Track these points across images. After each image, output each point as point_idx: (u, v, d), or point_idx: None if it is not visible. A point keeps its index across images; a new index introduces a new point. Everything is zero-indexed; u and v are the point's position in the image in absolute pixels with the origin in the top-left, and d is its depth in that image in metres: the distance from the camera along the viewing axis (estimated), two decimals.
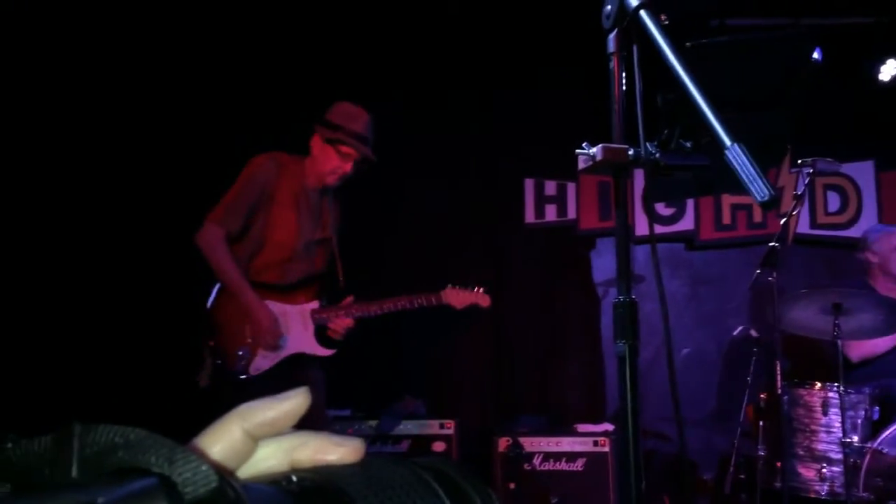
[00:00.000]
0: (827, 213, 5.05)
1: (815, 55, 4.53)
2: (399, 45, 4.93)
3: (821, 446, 3.73)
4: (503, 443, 4.17)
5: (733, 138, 1.18)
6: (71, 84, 4.45)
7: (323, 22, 4.83)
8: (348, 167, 3.42)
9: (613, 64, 1.48)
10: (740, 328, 4.33)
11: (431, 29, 4.96)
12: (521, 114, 5.18)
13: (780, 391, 3.67)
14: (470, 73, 5.08)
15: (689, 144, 1.48)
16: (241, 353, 3.28)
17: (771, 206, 1.12)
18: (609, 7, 1.48)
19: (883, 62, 4.89)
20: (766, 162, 1.83)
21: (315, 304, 3.47)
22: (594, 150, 1.43)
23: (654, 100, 1.54)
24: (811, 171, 3.79)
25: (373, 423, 4.26)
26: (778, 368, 3.64)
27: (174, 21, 4.58)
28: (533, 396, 5.23)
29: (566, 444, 4.19)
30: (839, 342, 3.67)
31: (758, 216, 5.02)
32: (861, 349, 4.11)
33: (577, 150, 1.44)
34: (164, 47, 4.61)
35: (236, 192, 3.41)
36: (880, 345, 4.06)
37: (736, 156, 1.15)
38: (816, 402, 3.78)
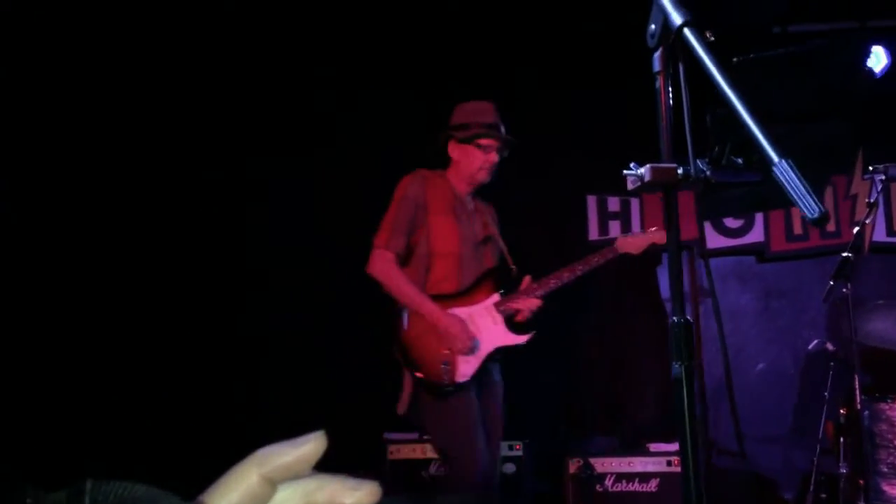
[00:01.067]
0: None
1: (873, 64, 4.40)
2: (458, 66, 4.96)
3: None
4: (574, 464, 4.12)
5: (781, 154, 1.16)
6: (196, 98, 4.65)
7: (390, 34, 4.87)
8: (493, 157, 3.46)
9: (659, 83, 1.47)
10: (816, 342, 4.21)
11: (487, 49, 4.97)
12: (582, 130, 5.15)
13: (859, 406, 3.54)
14: (534, 89, 5.07)
15: (740, 161, 1.45)
16: (444, 366, 3.29)
17: (821, 223, 1.10)
18: (653, 26, 1.47)
19: None
20: (827, 171, 1.79)
21: (496, 297, 3.47)
22: (642, 170, 1.41)
23: (703, 117, 1.51)
24: (883, 177, 3.69)
25: None
26: (857, 383, 3.52)
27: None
28: (604, 416, 5.16)
29: (639, 464, 4.11)
30: None
31: (831, 225, 4.86)
32: None
33: (625, 171, 1.44)
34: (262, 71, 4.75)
35: (394, 213, 3.43)
36: None
37: (783, 172, 1.13)
38: None
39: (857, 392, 3.54)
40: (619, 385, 5.17)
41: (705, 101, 1.53)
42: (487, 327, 3.40)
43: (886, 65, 4.67)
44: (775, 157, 1.16)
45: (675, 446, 4.24)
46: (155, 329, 4.55)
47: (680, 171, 1.41)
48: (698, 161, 1.46)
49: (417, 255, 3.45)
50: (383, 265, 3.37)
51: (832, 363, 3.90)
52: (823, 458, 3.82)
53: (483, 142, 3.44)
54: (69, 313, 4.34)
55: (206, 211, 4.76)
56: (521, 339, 3.45)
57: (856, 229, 3.63)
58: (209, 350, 4.71)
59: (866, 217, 3.63)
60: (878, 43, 4.63)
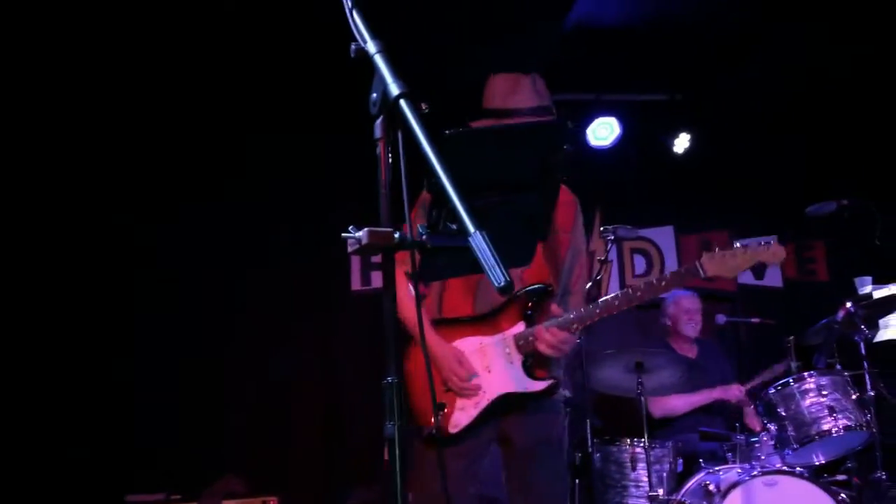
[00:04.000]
0: (635, 275, 5.37)
1: (604, 136, 4.88)
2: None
3: (631, 501, 3.89)
4: None
5: (477, 226, 1.25)
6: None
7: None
8: None
9: (380, 149, 1.53)
10: None
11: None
12: (346, 177, 5.17)
13: (591, 449, 3.81)
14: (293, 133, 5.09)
15: (454, 227, 1.53)
16: (437, 409, 2.52)
17: (506, 291, 1.20)
18: (374, 95, 1.53)
19: (677, 136, 5.33)
20: (531, 238, 1.93)
21: (520, 327, 2.59)
22: (360, 233, 1.45)
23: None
24: (613, 237, 4.07)
25: None
26: (588, 427, 3.79)
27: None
28: (366, 467, 5.16)
29: None
30: (642, 399, 3.87)
31: None
32: (662, 407, 4.39)
33: (343, 234, 1.47)
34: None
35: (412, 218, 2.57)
36: (679, 407, 4.40)
37: (478, 243, 1.22)
38: (626, 457, 3.95)
39: (589, 436, 3.81)
40: (380, 433, 5.20)
41: (426, 169, 1.62)
42: (500, 367, 2.56)
43: (619, 135, 5.19)
44: (471, 229, 1.24)
45: None
46: None
47: (397, 235, 1.47)
48: (418, 226, 1.53)
49: None
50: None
51: (568, 409, 4.16)
52: None
53: None
54: None
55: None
56: (537, 385, 2.56)
57: (589, 284, 3.95)
58: None
59: (597, 273, 3.96)
60: (610, 115, 5.14)
